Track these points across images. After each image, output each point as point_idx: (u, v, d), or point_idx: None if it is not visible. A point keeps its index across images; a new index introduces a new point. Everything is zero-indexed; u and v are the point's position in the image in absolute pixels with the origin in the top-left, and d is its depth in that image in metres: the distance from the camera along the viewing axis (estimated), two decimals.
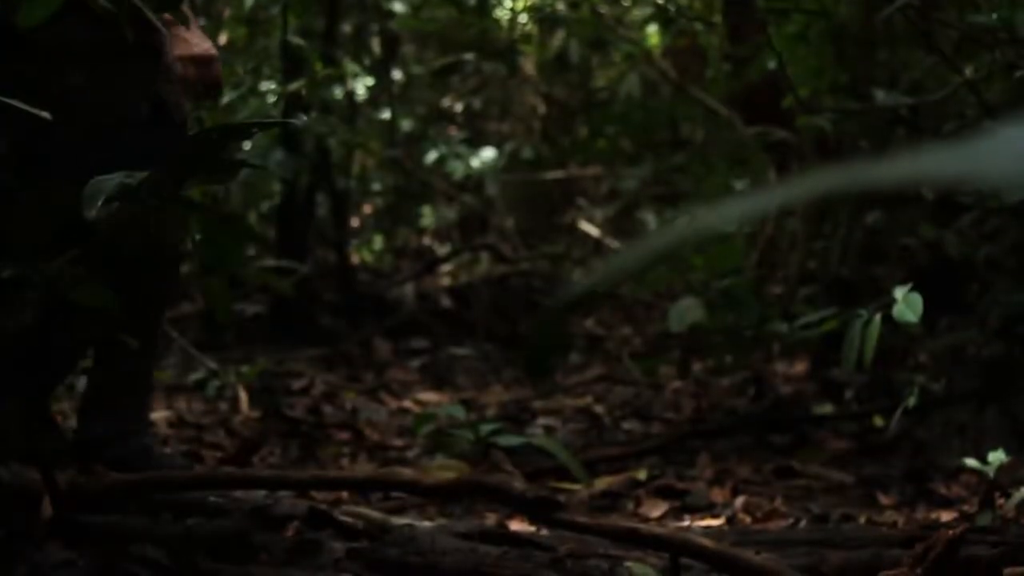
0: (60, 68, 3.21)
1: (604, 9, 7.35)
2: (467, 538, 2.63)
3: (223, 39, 7.05)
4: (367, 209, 9.15)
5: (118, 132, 3.21)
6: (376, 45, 7.73)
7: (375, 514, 2.81)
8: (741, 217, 0.58)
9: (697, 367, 5.58)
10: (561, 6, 7.46)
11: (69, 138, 3.20)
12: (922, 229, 4.90)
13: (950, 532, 2.28)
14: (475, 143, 8.30)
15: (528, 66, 8.78)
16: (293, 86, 5.78)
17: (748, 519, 3.54)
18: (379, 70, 7.38)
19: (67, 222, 3.00)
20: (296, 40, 6.29)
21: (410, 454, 4.49)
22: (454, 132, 8.79)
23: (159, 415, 4.77)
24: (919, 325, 3.09)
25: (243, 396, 4.95)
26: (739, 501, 3.68)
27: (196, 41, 3.26)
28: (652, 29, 8.02)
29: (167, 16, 3.19)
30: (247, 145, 6.06)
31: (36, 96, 3.22)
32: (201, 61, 3.25)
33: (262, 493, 2.91)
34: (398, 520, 2.84)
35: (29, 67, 3.22)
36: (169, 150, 3.35)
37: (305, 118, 6.12)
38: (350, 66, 6.95)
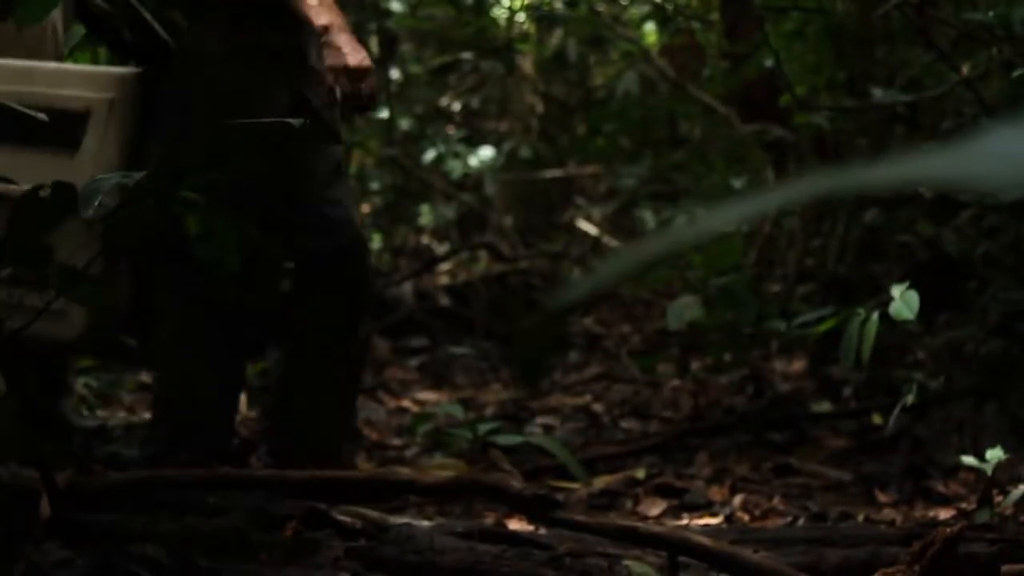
0: (202, 68, 3.19)
1: (602, 7, 7.35)
2: (465, 537, 2.64)
3: None
4: (365, 208, 9.15)
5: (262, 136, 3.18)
6: (374, 44, 7.73)
7: (373, 513, 2.81)
8: (740, 219, 0.59)
9: (695, 365, 5.58)
10: (559, 4, 7.45)
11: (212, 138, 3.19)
12: (920, 226, 4.91)
13: (948, 530, 2.29)
14: (473, 142, 8.30)
15: (526, 65, 8.78)
16: None
17: (746, 517, 3.55)
18: (376, 69, 7.37)
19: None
20: None
21: (408, 453, 4.49)
22: (452, 131, 8.79)
23: None
24: (917, 322, 3.09)
25: (242, 396, 4.94)
26: (737, 499, 3.68)
27: (349, 51, 3.17)
28: (650, 27, 8.02)
29: (321, 23, 3.15)
30: None
31: (184, 96, 3.22)
32: (354, 73, 3.17)
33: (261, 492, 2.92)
34: (396, 519, 2.84)
35: (177, 68, 3.23)
36: (312, 157, 3.31)
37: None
38: None
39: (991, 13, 3.56)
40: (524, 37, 8.12)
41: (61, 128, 3.24)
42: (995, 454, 2.97)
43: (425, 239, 9.20)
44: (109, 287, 3.25)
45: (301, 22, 3.19)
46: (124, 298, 3.31)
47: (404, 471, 3.63)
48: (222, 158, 3.05)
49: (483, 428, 3.82)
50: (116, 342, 3.56)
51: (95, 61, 5.69)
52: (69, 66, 3.52)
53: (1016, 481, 3.12)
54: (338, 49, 3.16)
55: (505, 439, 3.81)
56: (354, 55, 3.17)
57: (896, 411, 3.31)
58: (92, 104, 3.25)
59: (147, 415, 4.71)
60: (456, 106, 9.23)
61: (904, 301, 3.03)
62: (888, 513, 3.51)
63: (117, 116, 3.24)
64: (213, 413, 3.30)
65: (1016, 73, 3.36)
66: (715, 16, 6.67)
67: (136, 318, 3.39)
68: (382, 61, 7.39)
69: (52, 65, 3.53)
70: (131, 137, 3.26)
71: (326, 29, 3.17)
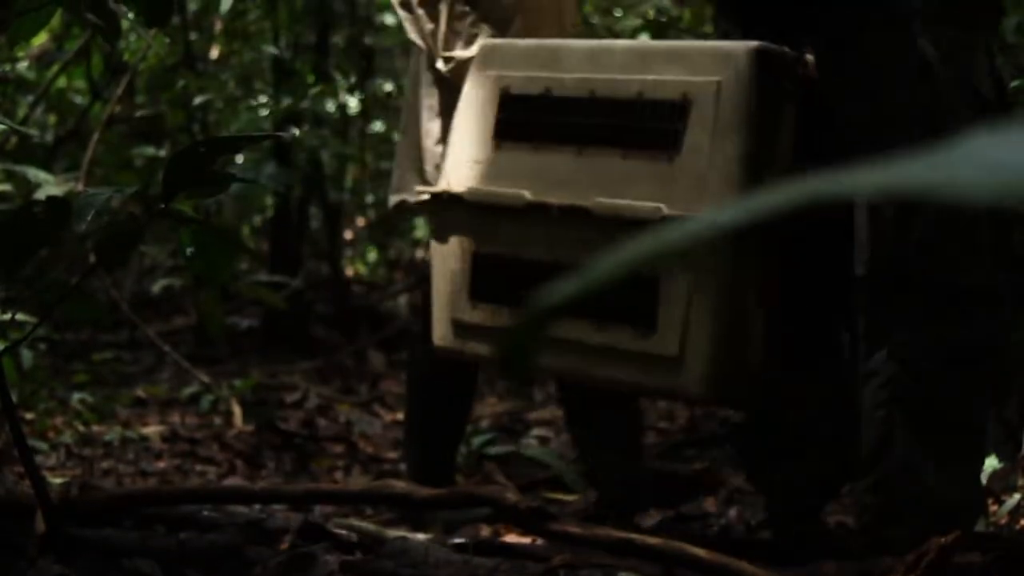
0: (899, 31, 2.55)
1: (595, 19, 7.36)
2: (460, 550, 2.63)
3: (215, 52, 7.05)
4: (360, 222, 9.15)
5: (967, 112, 2.54)
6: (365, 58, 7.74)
7: (369, 527, 2.81)
8: (726, 225, 0.59)
9: None
10: None
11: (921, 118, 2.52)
12: None
13: (943, 539, 2.28)
14: None
15: None
16: (285, 100, 5.78)
17: (742, 528, 3.55)
18: (364, 84, 7.38)
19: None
20: (279, 55, 6.29)
21: (404, 466, 4.49)
22: None
23: (152, 429, 4.77)
24: None
25: (237, 410, 4.95)
26: (733, 510, 3.68)
27: None
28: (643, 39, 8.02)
29: None
30: (239, 159, 6.07)
31: (893, 67, 2.52)
32: None
33: (256, 506, 2.91)
34: (392, 532, 2.84)
35: (891, 35, 2.56)
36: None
37: (297, 131, 6.13)
38: (342, 79, 6.96)
39: None
40: None
41: (652, 123, 2.64)
42: (990, 463, 2.97)
43: (420, 252, 9.20)
44: (739, 337, 2.62)
45: None
46: (758, 350, 2.64)
47: (399, 484, 3.63)
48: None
49: (478, 440, 3.82)
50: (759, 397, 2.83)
51: (88, 72, 5.69)
52: (653, 44, 2.84)
53: (1010, 490, 3.12)
54: None
55: (500, 451, 3.81)
56: None
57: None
58: (692, 90, 2.61)
59: (144, 429, 4.72)
60: None
61: None
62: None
63: (730, 104, 2.56)
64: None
65: (1012, 85, 3.37)
66: (708, 28, 6.68)
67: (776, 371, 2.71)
68: (364, 76, 7.39)
69: (628, 44, 2.90)
70: (756, 129, 2.56)
71: None
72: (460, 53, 3.28)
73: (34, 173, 4.45)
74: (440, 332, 3.00)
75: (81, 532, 2.53)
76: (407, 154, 3.51)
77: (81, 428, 4.51)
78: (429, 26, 3.37)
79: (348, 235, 8.66)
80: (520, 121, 2.85)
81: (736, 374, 2.64)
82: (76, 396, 4.75)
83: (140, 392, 5.42)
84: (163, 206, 2.15)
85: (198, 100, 6.17)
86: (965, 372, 2.55)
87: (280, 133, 5.48)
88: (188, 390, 5.24)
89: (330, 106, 6.81)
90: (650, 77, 2.66)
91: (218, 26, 6.83)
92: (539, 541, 2.85)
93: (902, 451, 2.58)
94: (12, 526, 2.52)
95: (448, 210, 2.95)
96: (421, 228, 8.86)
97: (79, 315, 2.45)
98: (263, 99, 6.46)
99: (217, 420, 4.96)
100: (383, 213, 8.57)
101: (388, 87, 7.99)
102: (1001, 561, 2.46)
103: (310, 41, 6.81)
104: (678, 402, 3.25)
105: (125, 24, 3.65)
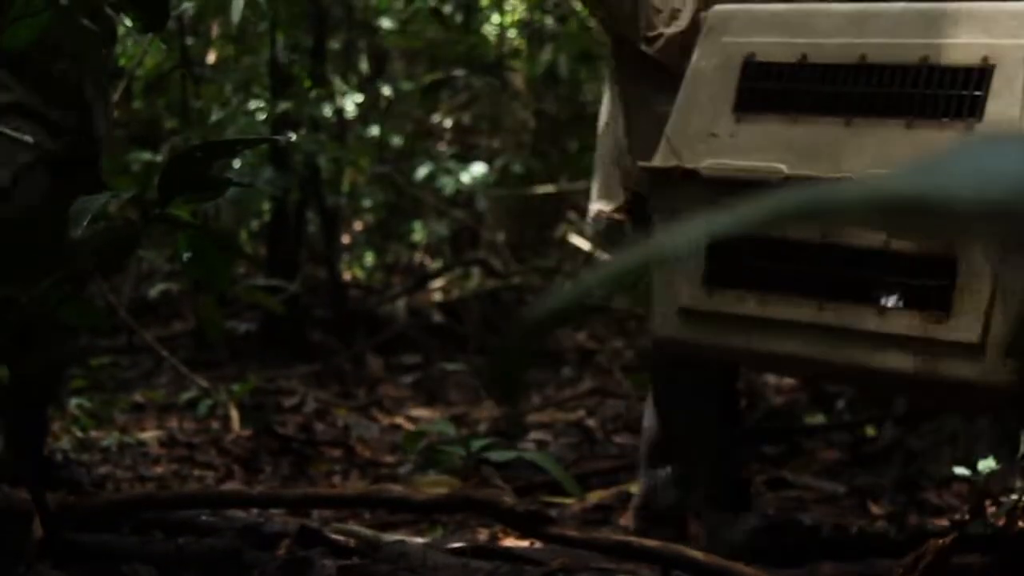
0: None
1: (592, 23, 7.37)
2: (459, 554, 2.64)
3: (212, 57, 7.06)
4: (358, 226, 9.15)
5: None
6: (364, 62, 7.74)
7: (366, 531, 2.81)
8: (715, 233, 0.59)
9: None
10: (549, 21, 7.46)
11: None
12: None
13: (940, 541, 2.29)
14: (465, 158, 8.31)
15: (517, 81, 8.80)
16: (282, 104, 5.78)
17: None
18: (367, 87, 7.39)
19: None
20: (270, 64, 6.29)
21: (402, 470, 4.49)
22: (444, 147, 8.81)
23: (150, 434, 4.77)
24: None
25: (234, 414, 4.95)
26: None
27: None
28: None
29: None
30: (236, 163, 6.07)
31: None
32: None
33: (254, 511, 2.92)
34: (389, 536, 2.85)
35: None
36: None
37: (293, 136, 6.13)
38: (339, 83, 6.96)
39: None
40: (515, 53, 8.13)
41: (943, 90, 2.40)
42: (987, 465, 2.97)
43: (418, 256, 9.20)
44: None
45: None
46: None
47: (397, 488, 3.63)
48: None
49: (476, 444, 3.82)
50: None
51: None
52: (935, 5, 2.56)
53: (1008, 491, 3.12)
54: None
55: (498, 455, 3.81)
56: None
57: (888, 423, 3.31)
58: (996, 54, 2.37)
59: (142, 434, 4.72)
60: (448, 123, 9.25)
61: None
62: (881, 525, 3.51)
63: None
64: None
65: None
66: None
67: None
68: (372, 79, 7.41)
69: (903, 6, 2.61)
70: None
71: None
72: (667, 30, 3.00)
73: None
74: (662, 321, 2.73)
75: (79, 537, 2.53)
76: (610, 156, 3.19)
77: (79, 433, 4.51)
78: (627, 7, 3.04)
79: (345, 239, 8.66)
80: (768, 90, 2.63)
81: None
82: (74, 401, 4.75)
83: (138, 397, 5.42)
84: (160, 211, 2.15)
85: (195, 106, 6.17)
86: None
87: (277, 137, 5.48)
88: (186, 395, 5.24)
89: (327, 110, 6.81)
90: (936, 40, 2.44)
91: (215, 31, 6.84)
92: (537, 545, 2.85)
93: None
94: (10, 531, 2.52)
95: (680, 187, 2.68)
96: (419, 232, 8.86)
97: (77, 320, 2.45)
98: (260, 103, 6.46)
99: (215, 424, 4.96)
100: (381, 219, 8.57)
101: (386, 91, 8.00)
102: (1000, 561, 2.47)
103: (307, 45, 6.82)
104: (963, 403, 2.84)
105: (121, 29, 3.65)
